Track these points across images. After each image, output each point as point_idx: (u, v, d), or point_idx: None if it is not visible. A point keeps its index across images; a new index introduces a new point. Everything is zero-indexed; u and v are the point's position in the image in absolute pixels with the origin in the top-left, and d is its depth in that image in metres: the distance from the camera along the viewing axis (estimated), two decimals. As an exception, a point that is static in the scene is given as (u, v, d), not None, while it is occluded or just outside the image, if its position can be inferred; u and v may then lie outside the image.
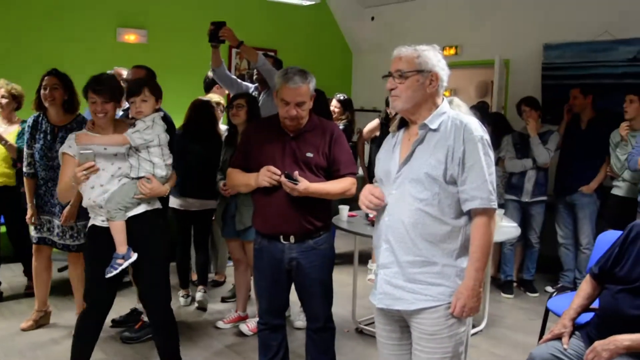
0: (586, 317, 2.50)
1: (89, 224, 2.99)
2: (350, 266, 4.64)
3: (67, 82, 3.66)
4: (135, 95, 2.90)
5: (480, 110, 5.47)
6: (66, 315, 4.08)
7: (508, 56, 6.24)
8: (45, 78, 3.62)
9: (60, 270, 4.95)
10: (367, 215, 3.79)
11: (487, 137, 2.08)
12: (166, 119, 3.16)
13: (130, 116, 3.03)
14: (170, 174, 3.06)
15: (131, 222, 2.88)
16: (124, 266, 2.84)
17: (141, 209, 2.92)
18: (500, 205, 4.48)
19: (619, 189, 4.47)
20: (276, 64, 4.27)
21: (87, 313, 2.97)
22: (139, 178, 2.90)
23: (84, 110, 3.88)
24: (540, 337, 2.93)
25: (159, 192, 2.97)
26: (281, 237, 2.75)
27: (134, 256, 2.87)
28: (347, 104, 5.27)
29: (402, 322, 2.18)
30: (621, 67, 5.33)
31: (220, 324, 4.08)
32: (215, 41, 3.87)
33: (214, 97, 4.71)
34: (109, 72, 4.58)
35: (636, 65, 5.23)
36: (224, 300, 4.62)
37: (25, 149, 3.76)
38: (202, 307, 4.40)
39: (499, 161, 4.93)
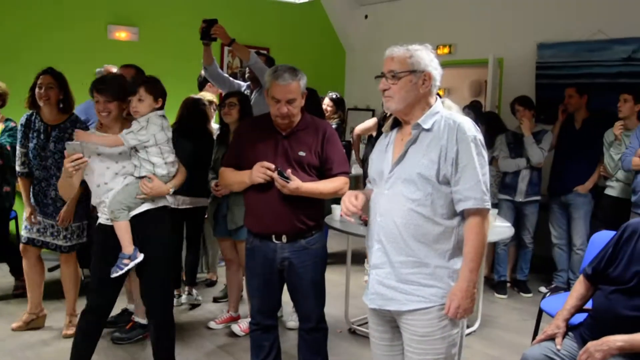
0: (579, 317, 2.49)
1: (97, 223, 2.96)
2: (343, 266, 4.62)
3: (62, 81, 3.60)
4: (131, 95, 2.87)
5: (474, 109, 5.48)
6: (56, 316, 4.02)
7: (502, 55, 6.22)
8: (41, 77, 3.54)
9: (50, 270, 4.89)
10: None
11: (480, 137, 2.06)
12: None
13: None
14: (175, 171, 3.01)
15: (134, 221, 2.86)
16: (130, 266, 2.82)
17: (144, 207, 2.90)
18: (494, 205, 4.48)
19: (613, 189, 4.46)
20: (268, 62, 4.24)
21: (89, 312, 2.91)
22: (141, 177, 2.88)
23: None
24: (534, 338, 2.93)
25: (161, 192, 2.92)
26: (273, 236, 2.73)
27: (140, 257, 2.84)
28: (340, 103, 5.24)
29: (393, 322, 2.17)
30: (615, 66, 5.33)
31: (212, 324, 4.06)
32: (207, 39, 3.84)
33: (207, 95, 4.68)
34: (98, 69, 4.59)
35: (630, 65, 5.23)
36: (215, 300, 4.60)
37: (18, 148, 3.68)
38: (193, 305, 4.42)
39: (492, 161, 4.92)
